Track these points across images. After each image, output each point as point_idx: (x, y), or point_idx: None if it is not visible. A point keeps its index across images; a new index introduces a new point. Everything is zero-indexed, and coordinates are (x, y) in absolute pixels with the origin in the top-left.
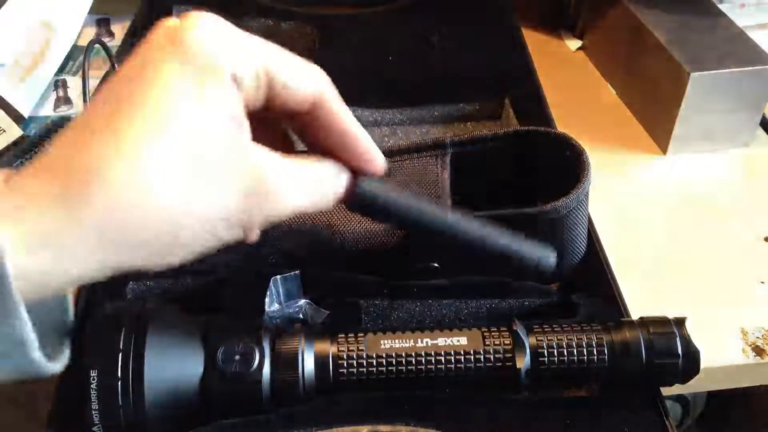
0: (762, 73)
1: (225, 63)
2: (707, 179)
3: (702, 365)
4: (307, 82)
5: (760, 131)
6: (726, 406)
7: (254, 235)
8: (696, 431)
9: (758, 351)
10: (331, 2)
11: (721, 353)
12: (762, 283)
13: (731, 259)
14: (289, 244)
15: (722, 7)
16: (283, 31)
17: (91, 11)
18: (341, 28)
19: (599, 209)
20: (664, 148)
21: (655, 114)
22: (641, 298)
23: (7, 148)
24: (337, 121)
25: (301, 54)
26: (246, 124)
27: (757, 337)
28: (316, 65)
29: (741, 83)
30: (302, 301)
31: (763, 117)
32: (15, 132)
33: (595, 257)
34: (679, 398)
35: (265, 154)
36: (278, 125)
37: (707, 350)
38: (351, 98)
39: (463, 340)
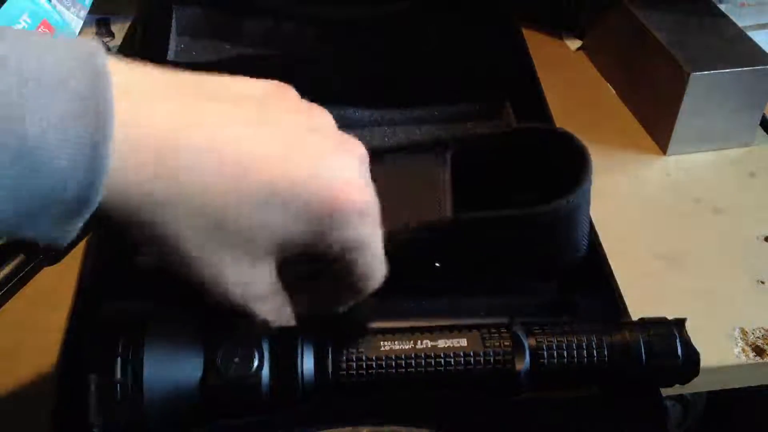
0: (762, 73)
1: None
2: (707, 179)
3: (702, 365)
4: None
5: (760, 131)
6: (726, 406)
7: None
8: (696, 431)
9: (758, 351)
10: (331, 4)
11: (721, 353)
12: (762, 283)
13: (731, 259)
14: None
15: (722, 7)
16: (283, 31)
17: (91, 11)
18: (342, 29)
19: (599, 209)
20: (664, 148)
21: (655, 114)
22: (641, 298)
23: None
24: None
25: (300, 55)
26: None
27: (757, 337)
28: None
29: (741, 83)
30: None
31: (763, 117)
32: None
33: (595, 257)
34: (679, 398)
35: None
36: None
37: (708, 350)
38: (351, 97)
39: (463, 342)
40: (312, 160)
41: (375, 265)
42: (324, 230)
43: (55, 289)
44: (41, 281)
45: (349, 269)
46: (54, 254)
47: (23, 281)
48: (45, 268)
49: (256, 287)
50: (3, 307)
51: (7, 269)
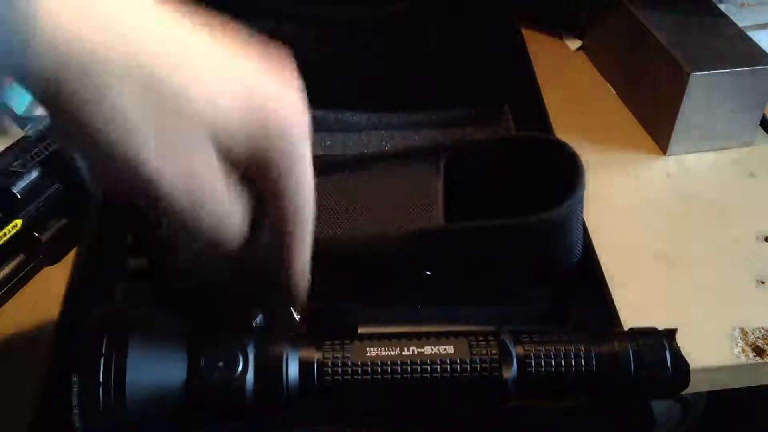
0: (762, 73)
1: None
2: (707, 179)
3: (702, 365)
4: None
5: (761, 131)
6: (726, 406)
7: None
8: (696, 431)
9: (758, 351)
10: (332, 4)
11: (721, 353)
12: (762, 283)
13: (731, 259)
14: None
15: (722, 7)
16: (283, 32)
17: None
18: (342, 29)
19: (599, 209)
20: (664, 148)
21: (655, 114)
22: (641, 298)
23: (9, 147)
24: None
25: (300, 56)
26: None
27: (757, 337)
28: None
29: (741, 83)
30: None
31: (764, 117)
32: (17, 132)
33: (589, 264)
34: (679, 398)
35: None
36: None
37: (707, 350)
38: (351, 98)
39: (450, 349)
40: (254, 64)
41: (303, 194)
42: (258, 138)
43: (55, 289)
44: (41, 281)
45: (281, 201)
46: (54, 254)
47: (23, 281)
48: (45, 268)
49: (202, 177)
50: (3, 307)
51: (7, 269)
